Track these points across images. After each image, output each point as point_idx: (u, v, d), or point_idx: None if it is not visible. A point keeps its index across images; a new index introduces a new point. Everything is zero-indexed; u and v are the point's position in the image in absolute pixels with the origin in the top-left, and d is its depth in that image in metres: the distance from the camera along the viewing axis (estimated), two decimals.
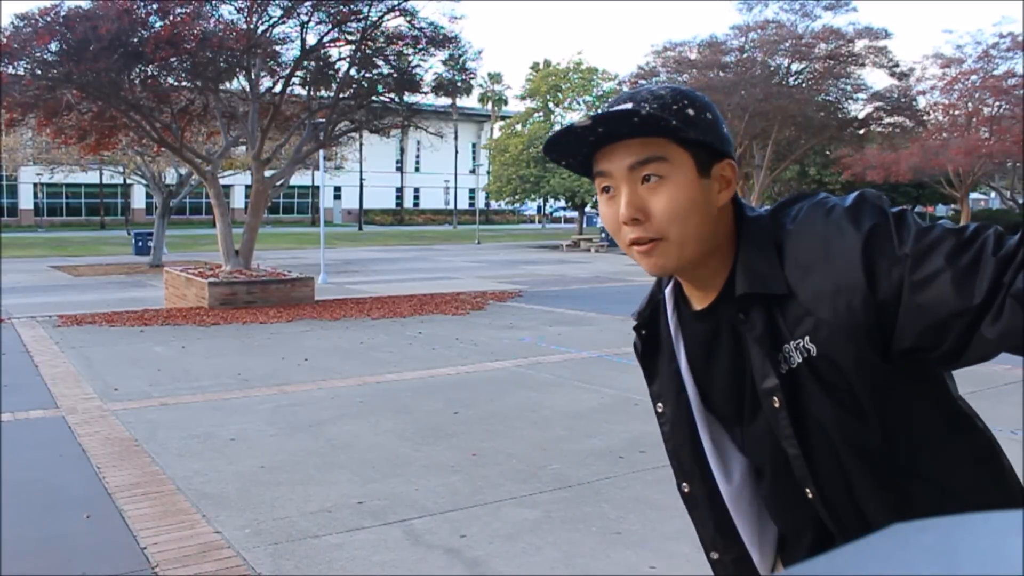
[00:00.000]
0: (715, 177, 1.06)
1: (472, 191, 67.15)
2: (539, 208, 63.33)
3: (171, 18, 12.33)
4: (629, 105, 1.03)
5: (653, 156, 1.02)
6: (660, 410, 1.23)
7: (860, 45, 21.67)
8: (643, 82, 24.10)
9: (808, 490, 1.08)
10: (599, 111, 1.04)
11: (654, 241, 1.04)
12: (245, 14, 13.36)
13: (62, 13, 11.88)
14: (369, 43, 14.50)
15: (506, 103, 61.92)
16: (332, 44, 14.57)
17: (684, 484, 1.23)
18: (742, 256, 1.05)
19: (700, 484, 1.21)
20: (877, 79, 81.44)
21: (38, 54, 12.10)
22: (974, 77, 27.23)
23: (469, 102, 57.17)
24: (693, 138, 1.03)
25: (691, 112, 1.04)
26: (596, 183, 1.09)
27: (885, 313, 0.94)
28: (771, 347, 1.03)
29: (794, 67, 22.41)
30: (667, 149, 1.03)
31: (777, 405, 1.05)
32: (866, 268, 0.93)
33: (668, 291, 1.19)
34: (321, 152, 18.34)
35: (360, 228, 54.13)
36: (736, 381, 1.11)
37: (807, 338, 1.00)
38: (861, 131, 24.76)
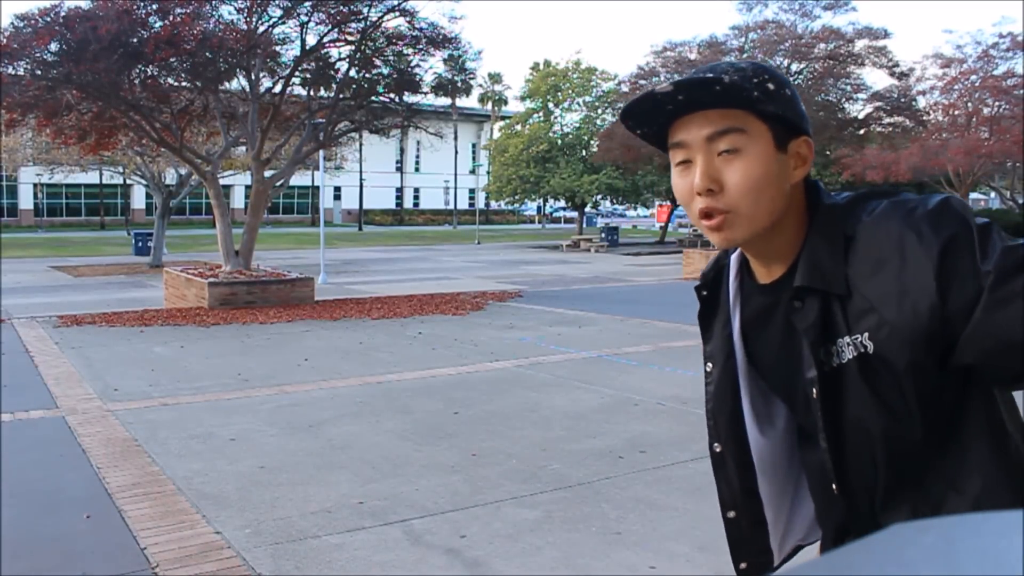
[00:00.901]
0: (791, 153, 1.05)
1: (472, 191, 67.14)
2: (539, 208, 63.33)
3: (171, 18, 12.32)
4: (711, 75, 1.03)
5: (732, 127, 1.02)
6: (708, 370, 1.25)
7: (860, 45, 21.70)
8: (643, 82, 24.12)
9: (833, 485, 1.10)
10: (680, 78, 1.04)
11: (724, 214, 1.04)
12: (245, 14, 13.36)
13: (62, 13, 11.87)
14: (369, 43, 14.50)
15: (506, 103, 61.92)
16: (332, 44, 14.57)
17: (716, 444, 1.26)
18: (809, 246, 1.05)
19: (732, 446, 1.24)
20: (877, 79, 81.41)
21: (38, 54, 12.10)
22: (974, 77, 27.23)
23: (469, 102, 57.21)
24: (772, 112, 1.02)
25: (771, 86, 1.03)
26: (671, 155, 1.09)
27: (952, 324, 0.92)
28: (820, 340, 1.03)
29: (794, 67, 22.42)
30: (746, 121, 1.03)
31: (814, 396, 1.06)
32: (939, 276, 0.91)
33: (734, 257, 1.20)
34: (321, 152, 18.34)
35: (360, 228, 54.13)
36: (785, 359, 1.13)
37: (866, 334, 0.99)
38: (861, 131, 24.76)
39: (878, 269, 0.97)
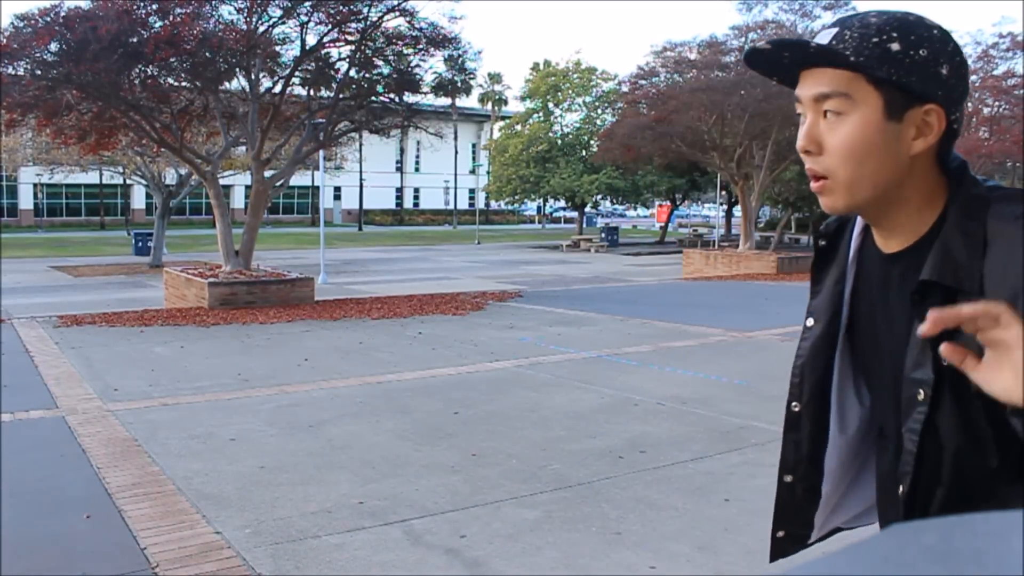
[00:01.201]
0: (910, 122, 0.98)
1: (472, 191, 67.13)
2: (539, 208, 63.34)
3: (171, 18, 12.32)
4: (834, 31, 0.99)
5: (835, 91, 0.98)
6: (808, 325, 1.20)
7: None
8: (643, 82, 24.10)
9: (901, 486, 1.04)
10: (780, 37, 1.02)
11: (824, 179, 1.01)
12: (245, 14, 13.35)
13: (62, 13, 11.87)
14: (369, 43, 14.49)
15: (506, 103, 61.91)
16: (332, 44, 14.56)
17: (795, 404, 1.21)
18: (945, 235, 0.97)
19: (812, 408, 1.18)
20: None
21: (38, 54, 12.09)
22: (974, 77, 27.23)
23: (469, 102, 57.14)
24: (884, 77, 0.96)
25: (895, 47, 0.96)
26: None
27: None
28: (937, 337, 0.91)
29: None
30: (853, 85, 0.98)
31: (921, 398, 0.99)
32: None
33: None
34: (321, 152, 18.33)
35: (360, 228, 54.13)
36: (888, 339, 1.07)
37: None
38: None
39: (1017, 279, 0.89)
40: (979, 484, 0.99)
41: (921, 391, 0.99)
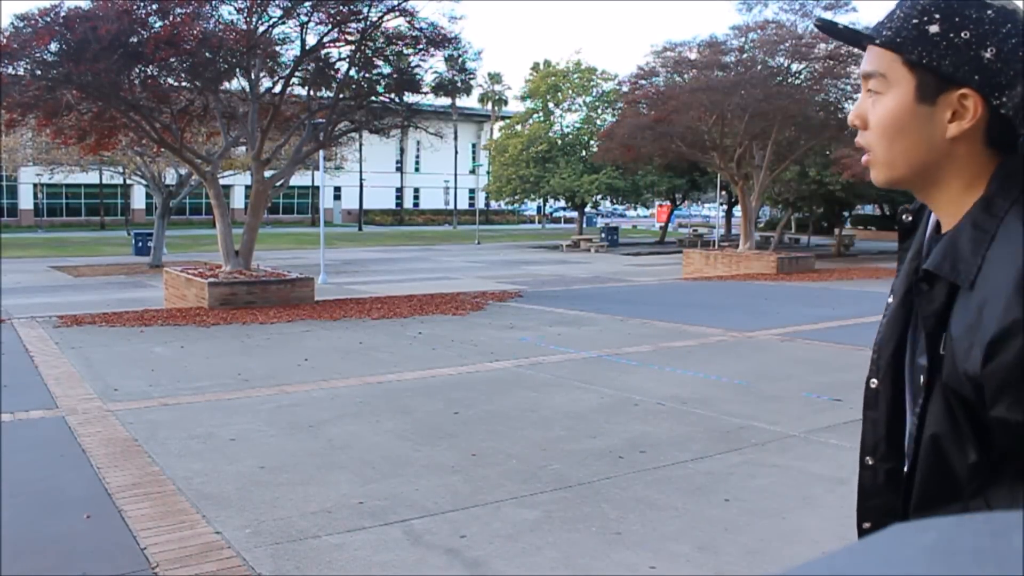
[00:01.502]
0: (944, 105, 0.96)
1: (472, 191, 67.12)
2: (539, 208, 63.34)
3: (171, 18, 12.31)
4: (890, 9, 1.02)
5: (874, 71, 1.01)
6: (888, 302, 1.19)
7: None
8: (643, 82, 24.09)
9: (903, 469, 1.08)
10: (824, 17, 1.07)
11: (869, 153, 1.04)
12: (245, 14, 13.35)
13: (62, 13, 11.86)
14: (369, 43, 14.49)
15: (506, 103, 61.93)
16: (332, 44, 14.56)
17: (873, 380, 1.19)
18: (958, 226, 0.97)
19: (888, 386, 1.17)
20: None
21: (38, 54, 12.08)
22: None
23: (469, 102, 57.13)
24: (915, 60, 0.97)
25: (933, 29, 0.95)
26: None
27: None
28: (937, 330, 0.97)
29: (794, 67, 22.39)
30: (891, 66, 0.99)
31: (921, 383, 1.02)
32: None
33: None
34: (321, 152, 18.33)
35: (360, 228, 54.13)
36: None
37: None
38: None
39: (1000, 275, 0.89)
40: (964, 479, 0.99)
41: (921, 376, 1.01)
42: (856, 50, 1.08)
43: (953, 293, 0.94)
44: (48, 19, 11.85)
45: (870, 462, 1.18)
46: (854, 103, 1.09)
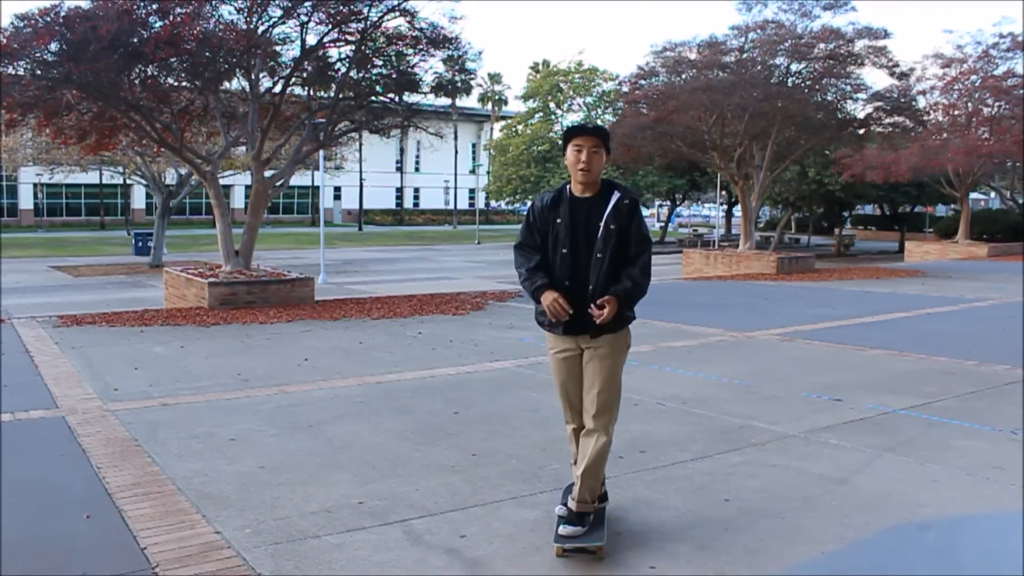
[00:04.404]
0: None
1: (472, 191, 67.12)
2: None
3: (171, 18, 12.30)
4: None
5: None
6: None
7: (860, 45, 21.61)
8: (643, 82, 24.07)
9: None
10: None
11: None
12: (245, 14, 13.35)
13: (62, 13, 11.85)
14: (369, 43, 14.49)
15: (506, 103, 61.95)
16: (332, 44, 14.56)
17: None
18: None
19: None
20: (877, 79, 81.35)
21: (38, 54, 12.08)
22: (974, 77, 27.24)
23: (469, 102, 57.20)
24: None
25: None
26: None
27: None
28: None
29: (793, 67, 22.37)
30: None
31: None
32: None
33: None
34: (321, 152, 18.34)
35: (360, 228, 54.12)
36: None
37: None
38: (861, 131, 24.72)
39: None
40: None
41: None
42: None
43: None
44: (48, 19, 11.84)
45: None
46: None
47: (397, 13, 14.08)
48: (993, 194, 43.55)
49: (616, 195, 3.66)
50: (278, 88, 14.72)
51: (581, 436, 3.93)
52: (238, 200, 50.99)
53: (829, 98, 23.07)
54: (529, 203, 4.00)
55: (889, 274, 20.43)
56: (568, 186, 3.78)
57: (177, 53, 12.45)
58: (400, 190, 67.44)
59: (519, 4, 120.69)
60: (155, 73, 13.09)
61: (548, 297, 3.66)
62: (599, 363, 3.78)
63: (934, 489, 4.47)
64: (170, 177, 28.13)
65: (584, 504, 3.69)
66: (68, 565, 3.48)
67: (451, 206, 64.81)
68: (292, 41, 14.54)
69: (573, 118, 42.43)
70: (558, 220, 3.70)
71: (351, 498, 4.31)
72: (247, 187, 21.95)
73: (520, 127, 43.48)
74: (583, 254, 3.65)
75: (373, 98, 15.54)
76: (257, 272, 14.06)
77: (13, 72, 12.44)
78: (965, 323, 11.64)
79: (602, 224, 3.61)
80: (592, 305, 3.57)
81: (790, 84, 22.33)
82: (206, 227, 43.98)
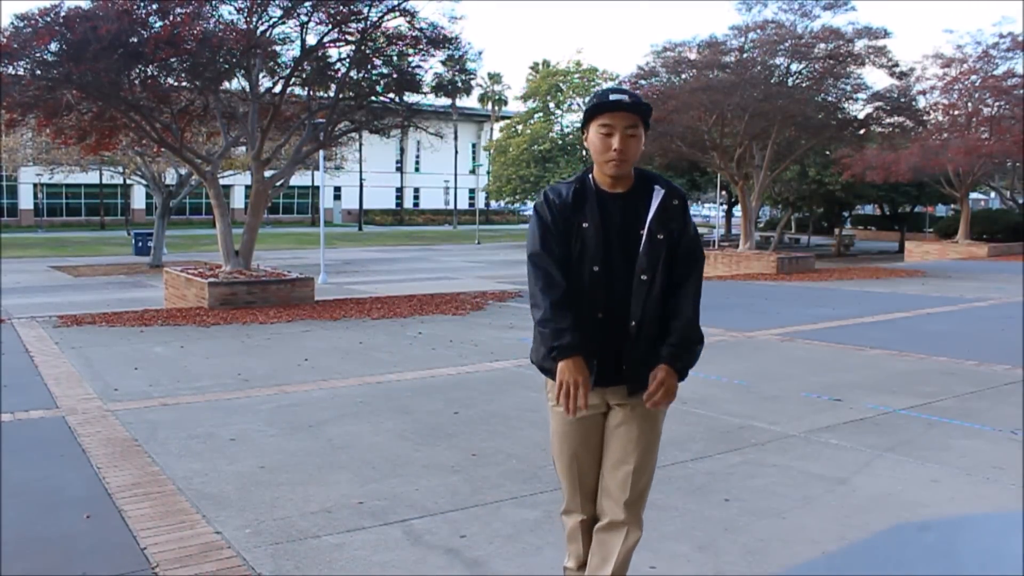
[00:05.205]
0: None
1: (472, 191, 67.11)
2: None
3: (171, 18, 12.30)
4: None
5: None
6: None
7: (860, 45, 21.62)
8: (643, 82, 24.07)
9: None
10: None
11: None
12: (245, 14, 13.35)
13: (62, 13, 11.85)
14: (369, 43, 14.49)
15: (506, 103, 61.94)
16: (332, 44, 14.56)
17: None
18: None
19: None
20: (877, 79, 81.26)
21: (38, 54, 12.08)
22: (974, 77, 27.22)
23: (469, 102, 57.17)
24: None
25: None
26: None
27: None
28: None
29: (793, 67, 22.37)
30: None
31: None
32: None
33: None
34: (321, 152, 18.34)
35: (360, 228, 54.12)
36: None
37: None
38: (861, 131, 24.72)
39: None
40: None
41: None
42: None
43: None
44: (48, 19, 11.85)
45: None
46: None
47: (397, 13, 14.09)
48: (993, 194, 43.55)
49: (659, 192, 2.62)
50: (278, 88, 14.72)
51: (597, 531, 2.82)
52: (238, 200, 51.00)
53: (829, 98, 23.07)
54: (537, 198, 2.60)
55: (889, 274, 20.44)
56: (591, 175, 2.66)
57: (177, 53, 12.45)
58: (400, 190, 67.44)
59: (519, 4, 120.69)
60: (155, 73, 13.09)
61: (570, 375, 2.50)
62: (637, 427, 2.78)
63: (934, 489, 4.47)
64: (170, 177, 28.13)
65: None
66: (68, 565, 3.48)
67: (451, 206, 64.80)
68: (292, 41, 14.56)
69: (573, 118, 42.44)
70: (584, 224, 2.57)
71: (351, 498, 4.31)
72: (247, 187, 21.96)
73: (520, 127, 43.47)
74: (620, 274, 2.59)
75: (373, 98, 15.55)
76: (257, 272, 14.06)
77: (13, 72, 12.44)
78: (965, 323, 11.64)
79: (645, 232, 2.58)
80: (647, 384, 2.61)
81: (790, 84, 22.33)
82: (206, 227, 43.99)
